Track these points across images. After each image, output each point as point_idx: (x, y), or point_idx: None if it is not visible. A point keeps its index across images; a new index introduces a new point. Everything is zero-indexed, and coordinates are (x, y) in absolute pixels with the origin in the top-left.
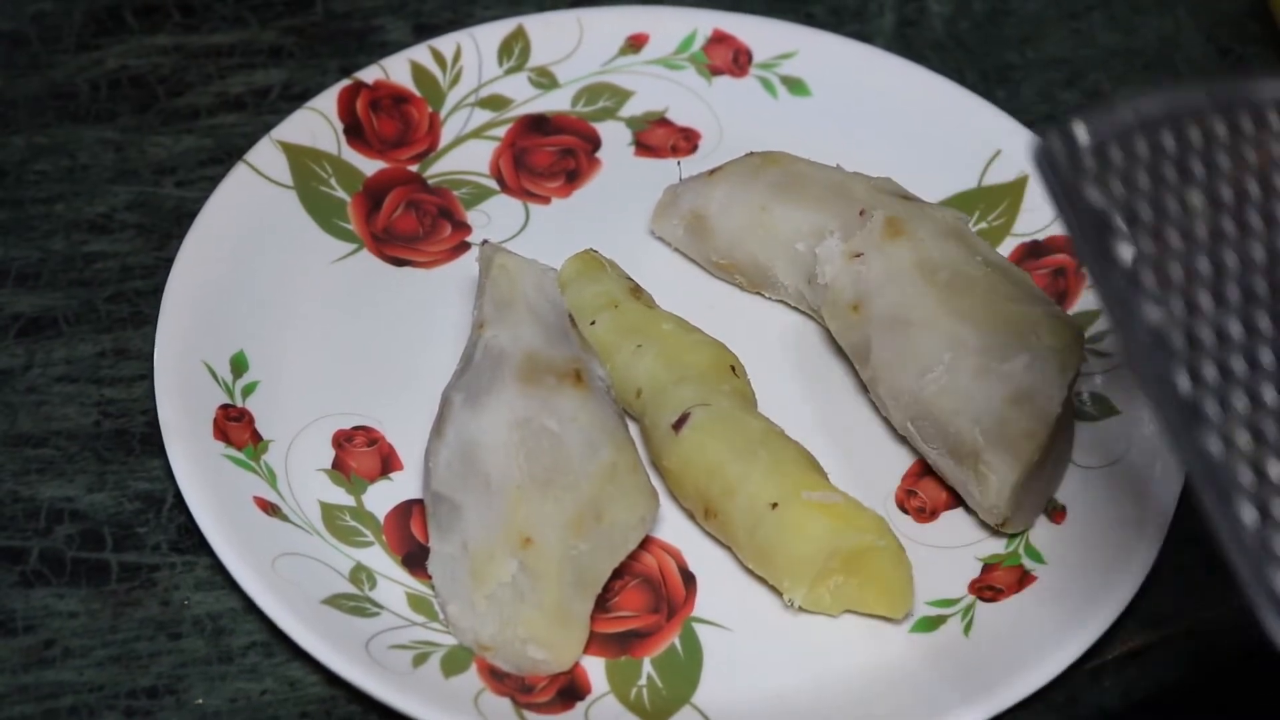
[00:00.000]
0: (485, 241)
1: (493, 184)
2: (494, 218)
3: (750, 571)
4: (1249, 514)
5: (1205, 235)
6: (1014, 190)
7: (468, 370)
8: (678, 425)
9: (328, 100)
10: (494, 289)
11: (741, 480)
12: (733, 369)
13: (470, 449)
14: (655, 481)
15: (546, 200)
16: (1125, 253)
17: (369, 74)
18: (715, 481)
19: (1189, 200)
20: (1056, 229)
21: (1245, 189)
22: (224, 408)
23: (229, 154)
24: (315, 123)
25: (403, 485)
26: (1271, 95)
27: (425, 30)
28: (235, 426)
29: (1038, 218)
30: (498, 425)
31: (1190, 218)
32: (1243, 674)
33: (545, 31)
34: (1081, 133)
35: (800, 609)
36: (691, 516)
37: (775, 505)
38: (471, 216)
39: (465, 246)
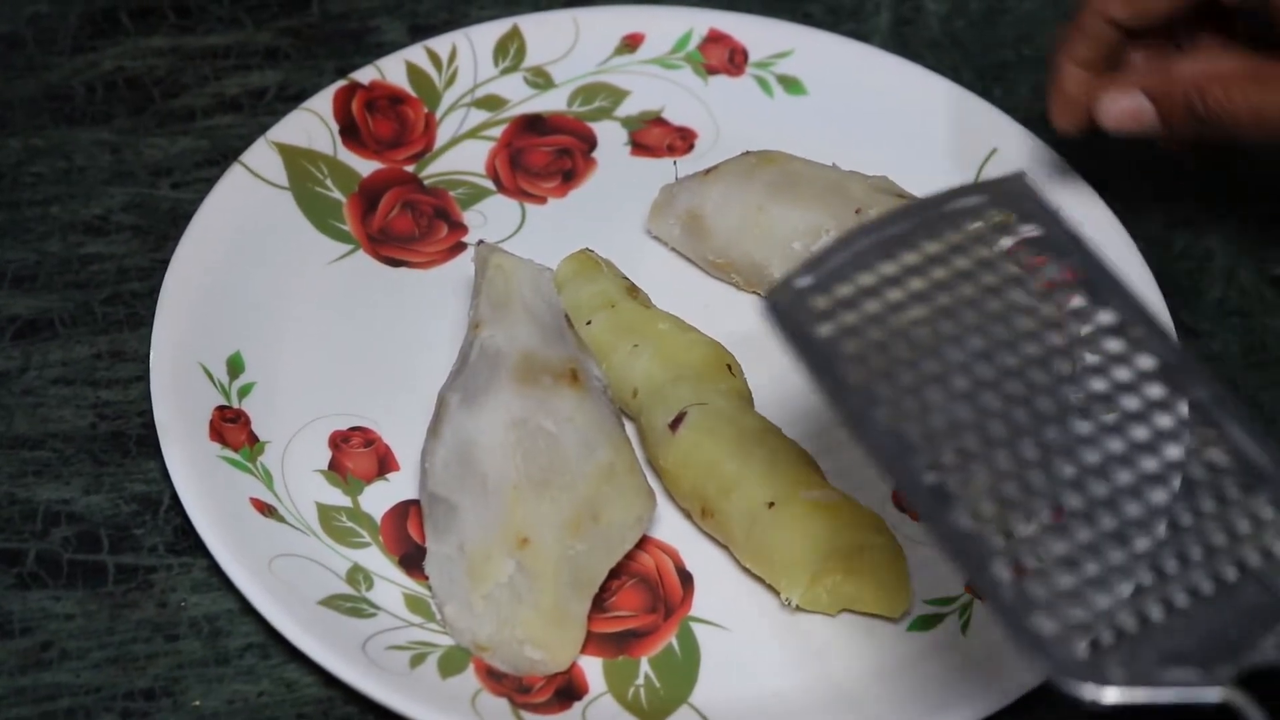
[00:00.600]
0: (481, 242)
1: (489, 184)
2: (490, 218)
3: (748, 571)
4: (1003, 573)
5: (926, 339)
6: None
7: (464, 370)
8: (674, 424)
9: (323, 101)
10: (490, 289)
11: (738, 479)
12: (729, 368)
13: (467, 449)
14: (652, 481)
15: (543, 200)
16: (853, 375)
17: (364, 75)
18: (712, 480)
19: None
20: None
21: (961, 293)
22: (220, 409)
23: (225, 155)
24: (311, 124)
25: (399, 486)
26: (966, 206)
27: (421, 31)
28: (231, 428)
29: None
30: (494, 425)
31: (909, 331)
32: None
33: (541, 31)
34: (802, 281)
35: (798, 608)
36: (688, 516)
37: (772, 504)
38: (468, 217)
39: (461, 247)
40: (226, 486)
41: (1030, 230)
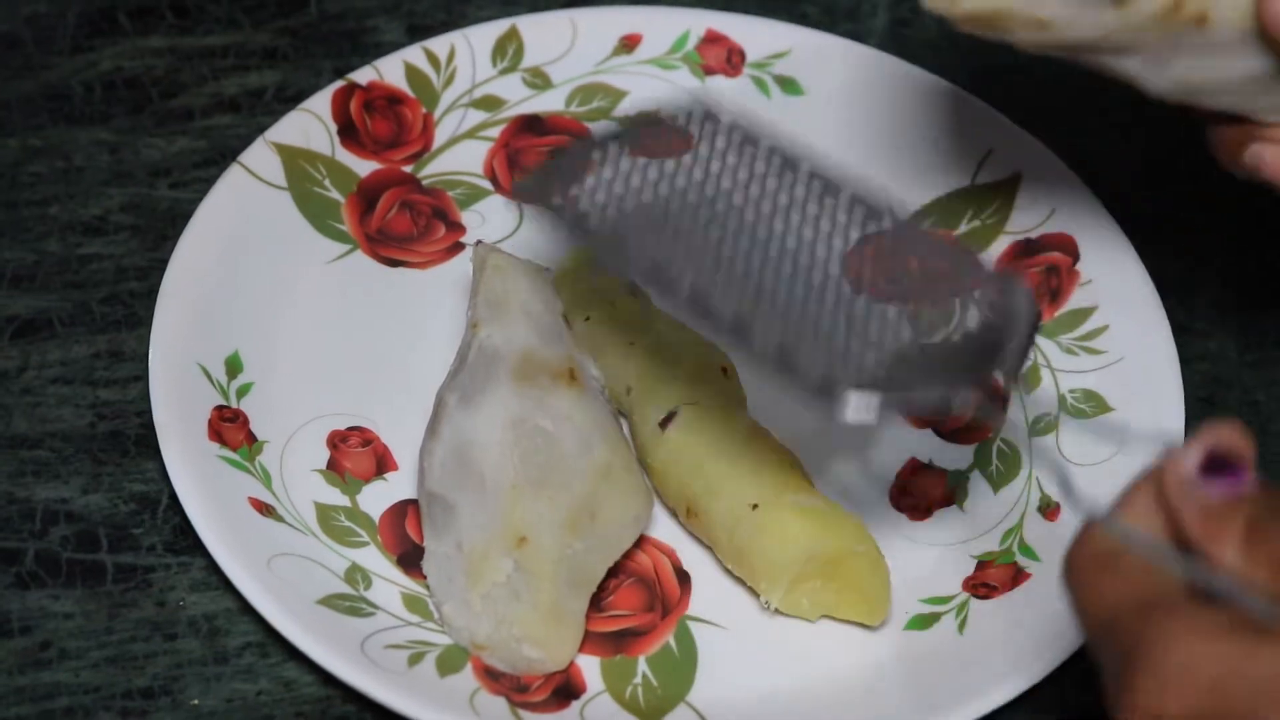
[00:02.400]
0: (479, 242)
1: (487, 184)
2: (488, 218)
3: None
4: (770, 335)
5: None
6: (1006, 189)
7: (462, 370)
8: (665, 423)
9: (321, 101)
10: (488, 289)
11: (724, 480)
12: (724, 370)
13: (465, 448)
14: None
15: None
16: (595, 223)
17: (363, 75)
18: (698, 480)
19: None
20: (1049, 227)
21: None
22: (219, 409)
23: (223, 155)
24: (309, 124)
25: (397, 485)
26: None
27: (419, 31)
28: (230, 427)
29: (1030, 216)
30: (492, 424)
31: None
32: None
33: (539, 32)
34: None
35: (777, 612)
36: (675, 515)
37: (756, 506)
38: (466, 217)
39: (460, 247)
40: (225, 486)
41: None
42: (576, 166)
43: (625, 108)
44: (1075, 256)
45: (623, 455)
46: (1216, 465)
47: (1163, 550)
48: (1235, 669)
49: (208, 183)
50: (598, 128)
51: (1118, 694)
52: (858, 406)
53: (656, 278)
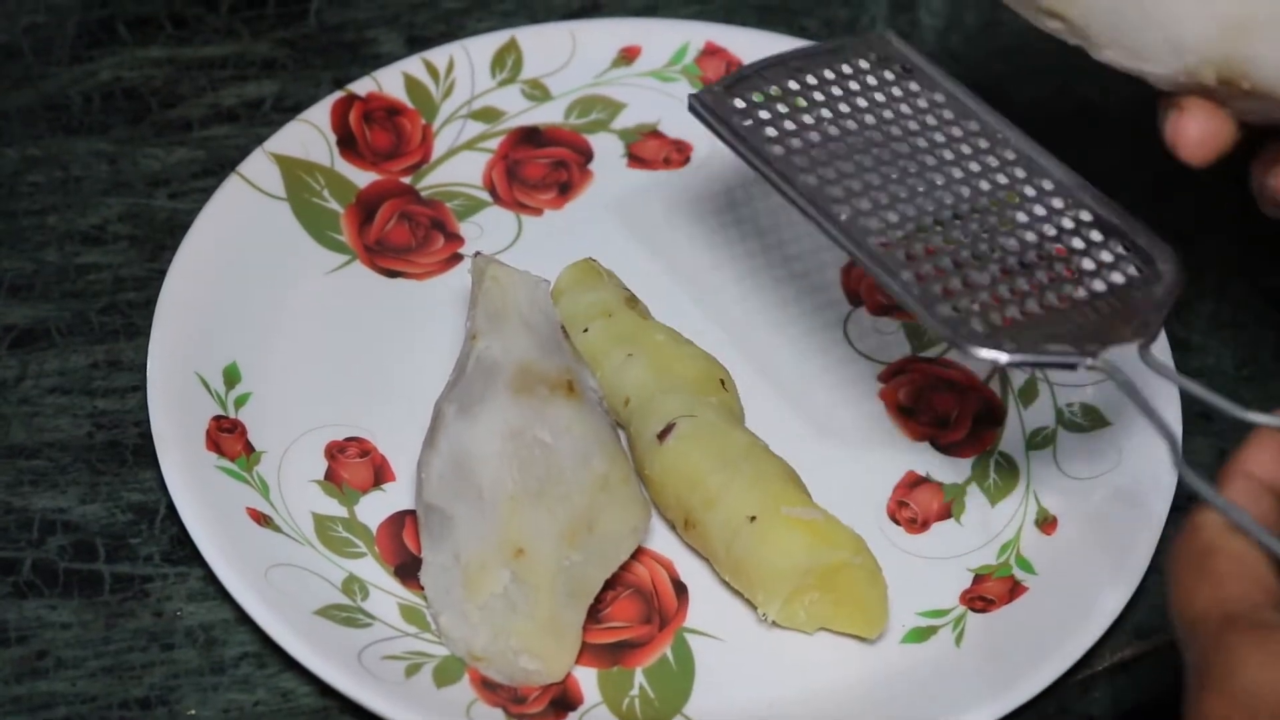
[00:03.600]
0: (478, 253)
1: (485, 196)
2: (486, 229)
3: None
4: (911, 278)
5: (828, 129)
6: None
7: (460, 381)
8: (663, 435)
9: (320, 112)
10: (486, 301)
11: (722, 492)
12: (722, 383)
13: (463, 459)
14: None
15: (539, 212)
16: (776, 149)
17: (362, 86)
18: (696, 492)
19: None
20: None
21: (854, 102)
22: (217, 419)
23: (222, 166)
24: (308, 134)
25: (395, 496)
26: (845, 46)
27: (418, 43)
28: (228, 438)
29: None
30: (490, 436)
31: (817, 124)
32: None
33: (538, 44)
34: (722, 84)
35: (774, 624)
36: (673, 528)
37: (754, 518)
38: (464, 228)
39: (458, 258)
40: (222, 496)
41: (898, 67)
42: (757, 88)
43: (624, 120)
44: None
45: (621, 467)
46: None
47: (1267, 537)
48: None
49: (206, 193)
50: (780, 53)
51: (1189, 703)
52: (992, 351)
53: (815, 204)
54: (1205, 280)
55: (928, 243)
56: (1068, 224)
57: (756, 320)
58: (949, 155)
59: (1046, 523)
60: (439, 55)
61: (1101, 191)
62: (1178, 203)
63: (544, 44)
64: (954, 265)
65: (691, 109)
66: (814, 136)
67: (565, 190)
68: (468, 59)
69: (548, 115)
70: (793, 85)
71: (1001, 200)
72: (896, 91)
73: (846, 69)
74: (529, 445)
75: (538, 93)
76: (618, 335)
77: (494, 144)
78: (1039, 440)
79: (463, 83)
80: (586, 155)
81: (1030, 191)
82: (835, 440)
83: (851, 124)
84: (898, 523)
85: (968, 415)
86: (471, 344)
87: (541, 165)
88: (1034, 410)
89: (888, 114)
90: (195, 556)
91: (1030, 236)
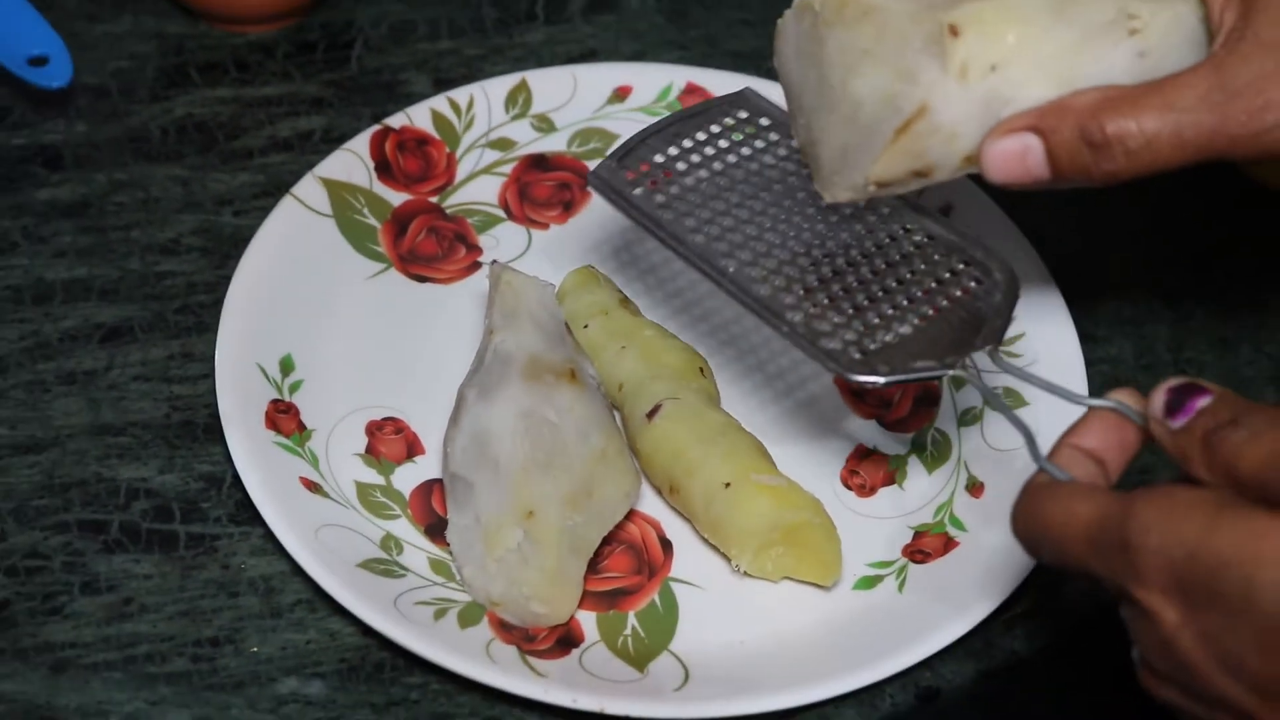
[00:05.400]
0: (494, 262)
1: (500, 213)
2: (502, 241)
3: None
4: (797, 318)
5: (710, 190)
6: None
7: (480, 370)
8: (651, 414)
9: (361, 142)
10: (502, 302)
11: (701, 463)
12: (701, 370)
13: (482, 436)
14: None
15: (546, 226)
16: (667, 214)
17: (396, 120)
18: (679, 463)
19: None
20: None
21: (726, 160)
22: (274, 402)
23: (278, 188)
24: (350, 161)
25: (425, 467)
26: (714, 107)
27: (443, 84)
28: (284, 418)
29: None
30: (505, 416)
31: (697, 186)
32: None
33: (545, 84)
34: (613, 160)
35: (745, 574)
36: (660, 493)
37: (728, 485)
38: (483, 240)
39: (477, 266)
40: (280, 467)
41: (764, 120)
42: (644, 158)
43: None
44: None
45: (616, 442)
46: (1176, 405)
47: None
48: (1201, 541)
49: (265, 211)
50: (657, 120)
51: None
52: (869, 377)
53: (707, 260)
54: (1110, 281)
55: (804, 284)
56: (910, 247)
57: (730, 317)
58: (806, 196)
59: (975, 487)
60: (461, 94)
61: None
62: (1087, 216)
63: (550, 84)
64: (828, 301)
65: (590, 184)
66: (695, 198)
67: (568, 208)
68: (485, 97)
69: (553, 145)
70: (673, 151)
71: (860, 234)
72: (759, 143)
73: (716, 128)
74: (538, 424)
75: (544, 125)
76: (613, 331)
77: (508, 169)
78: (969, 418)
79: (481, 117)
80: (586, 179)
81: (873, 218)
82: (797, 418)
83: (724, 181)
84: (849, 488)
85: (909, 397)
86: (489, 338)
87: (548, 187)
88: (964, 393)
89: (754, 165)
90: (256, 518)
91: (883, 263)
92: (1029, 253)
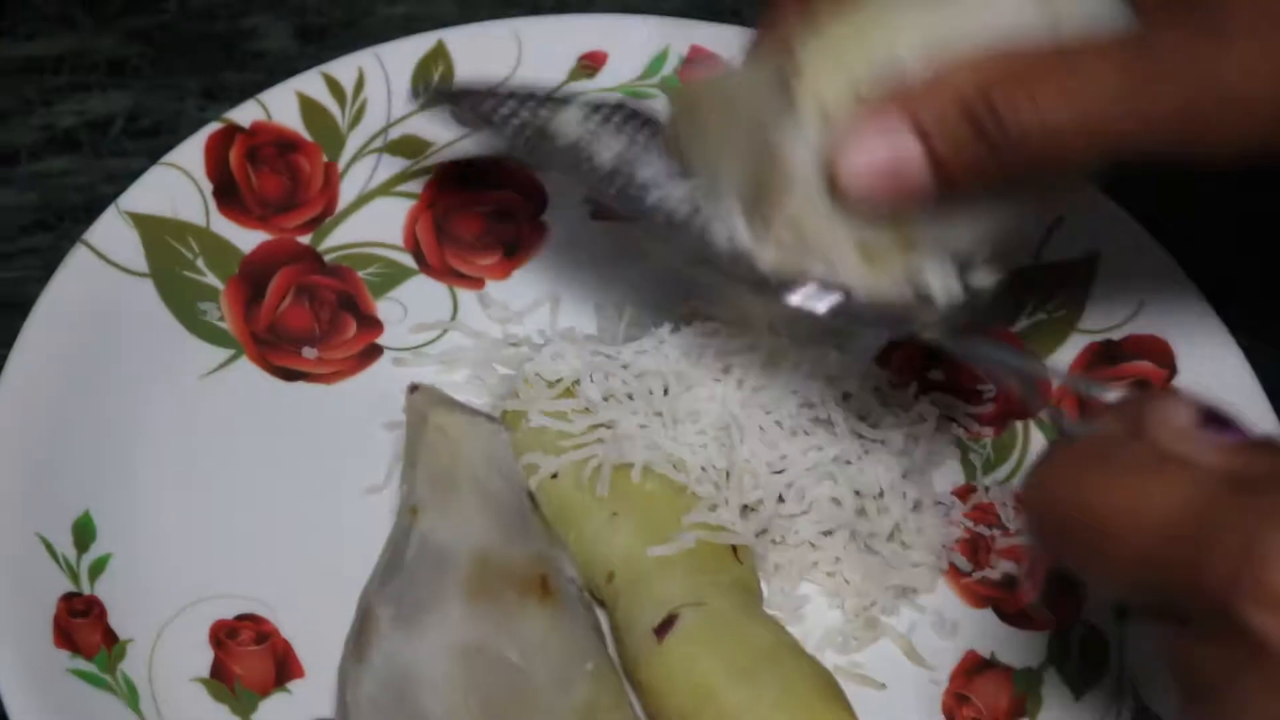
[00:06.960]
0: (415, 386)
1: (408, 260)
2: (412, 309)
3: None
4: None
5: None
6: (1080, 272)
7: (399, 573)
8: (661, 630)
9: (192, 151)
10: (430, 459)
11: (743, 711)
12: (734, 550)
13: (404, 683)
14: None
15: (479, 283)
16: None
17: (244, 113)
18: (708, 708)
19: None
20: (1136, 326)
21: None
22: (67, 598)
23: (59, 217)
24: (175, 182)
25: (305, 699)
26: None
27: (310, 35)
28: (82, 624)
29: (1111, 310)
30: (439, 654)
31: None
32: None
33: (473, 49)
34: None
35: None
36: None
37: None
38: (382, 307)
39: (376, 351)
40: (78, 711)
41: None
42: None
43: None
44: (1172, 369)
45: (610, 688)
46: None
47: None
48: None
49: (39, 255)
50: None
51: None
52: (805, 294)
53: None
54: None
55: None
56: None
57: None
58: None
59: None
60: (345, 68)
61: None
62: None
63: (481, 49)
64: None
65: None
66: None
67: (511, 252)
68: (382, 71)
69: (489, 145)
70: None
71: None
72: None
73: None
74: (491, 667)
75: None
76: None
77: (417, 187)
78: None
79: (376, 104)
80: (539, 202)
81: None
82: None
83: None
84: None
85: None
86: (411, 519)
87: (479, 217)
88: None
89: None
90: None
91: None
92: (1217, 330)
